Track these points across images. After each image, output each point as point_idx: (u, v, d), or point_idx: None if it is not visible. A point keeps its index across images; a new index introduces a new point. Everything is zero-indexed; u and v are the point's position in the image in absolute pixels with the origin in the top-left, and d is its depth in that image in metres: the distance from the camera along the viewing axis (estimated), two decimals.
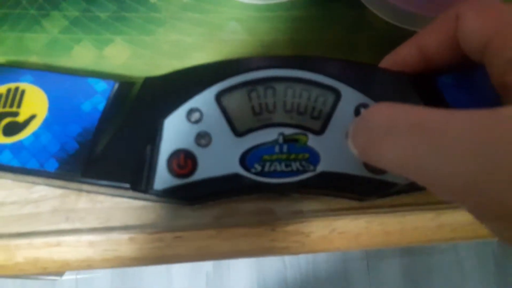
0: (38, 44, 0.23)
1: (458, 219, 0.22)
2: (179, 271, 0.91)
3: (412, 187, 0.19)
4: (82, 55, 0.23)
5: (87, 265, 0.22)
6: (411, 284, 0.90)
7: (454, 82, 0.20)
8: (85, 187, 0.20)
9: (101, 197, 0.22)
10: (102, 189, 0.20)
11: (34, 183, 0.21)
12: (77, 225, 0.21)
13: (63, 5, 0.23)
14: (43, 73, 0.20)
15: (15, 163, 0.18)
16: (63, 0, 0.23)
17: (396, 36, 0.23)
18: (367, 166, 0.19)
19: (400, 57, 0.20)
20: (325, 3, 0.24)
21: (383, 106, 0.15)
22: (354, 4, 0.25)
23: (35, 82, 0.20)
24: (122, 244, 0.21)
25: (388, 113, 0.15)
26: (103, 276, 0.90)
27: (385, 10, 0.24)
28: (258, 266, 0.91)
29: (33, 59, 0.23)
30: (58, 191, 0.22)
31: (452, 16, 0.18)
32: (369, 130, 0.15)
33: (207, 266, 0.91)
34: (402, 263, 0.91)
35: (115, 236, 0.21)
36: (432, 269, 0.91)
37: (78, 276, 0.90)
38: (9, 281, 0.87)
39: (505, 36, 0.15)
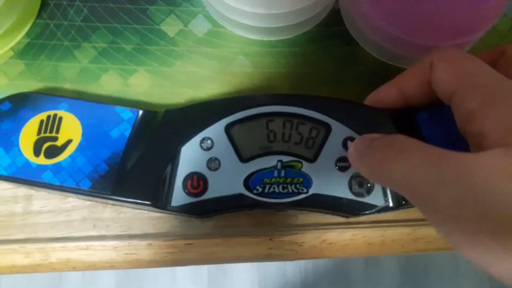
0: (70, 72, 0.26)
1: (431, 234, 0.26)
2: None
3: (389, 208, 0.22)
4: (109, 83, 0.26)
5: (110, 266, 0.25)
6: (408, 280, 0.93)
7: (431, 118, 0.23)
8: (111, 201, 0.23)
9: (124, 209, 0.25)
10: (126, 203, 0.23)
11: (67, 195, 0.25)
12: (103, 232, 0.25)
13: (92, 37, 0.26)
14: (77, 101, 0.23)
15: (55, 182, 0.22)
16: (93, 33, 0.27)
17: (384, 72, 0.26)
18: (351, 189, 0.22)
19: (382, 97, 0.22)
20: (322, 40, 0.27)
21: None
22: (348, 42, 0.27)
23: (70, 110, 0.23)
24: (141, 249, 0.25)
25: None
26: None
27: (375, 48, 0.27)
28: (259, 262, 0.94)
29: (67, 85, 0.26)
30: (87, 202, 0.25)
31: (427, 63, 0.20)
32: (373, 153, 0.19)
33: None
34: (400, 260, 0.94)
35: (135, 242, 0.25)
36: (429, 266, 0.94)
37: None
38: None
39: (468, 88, 0.17)
